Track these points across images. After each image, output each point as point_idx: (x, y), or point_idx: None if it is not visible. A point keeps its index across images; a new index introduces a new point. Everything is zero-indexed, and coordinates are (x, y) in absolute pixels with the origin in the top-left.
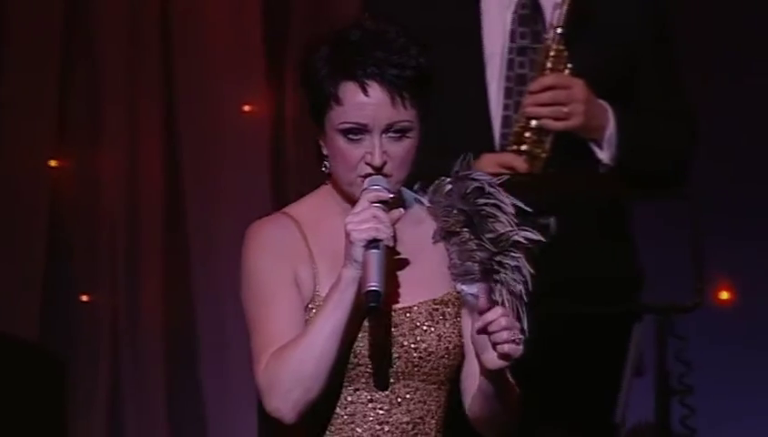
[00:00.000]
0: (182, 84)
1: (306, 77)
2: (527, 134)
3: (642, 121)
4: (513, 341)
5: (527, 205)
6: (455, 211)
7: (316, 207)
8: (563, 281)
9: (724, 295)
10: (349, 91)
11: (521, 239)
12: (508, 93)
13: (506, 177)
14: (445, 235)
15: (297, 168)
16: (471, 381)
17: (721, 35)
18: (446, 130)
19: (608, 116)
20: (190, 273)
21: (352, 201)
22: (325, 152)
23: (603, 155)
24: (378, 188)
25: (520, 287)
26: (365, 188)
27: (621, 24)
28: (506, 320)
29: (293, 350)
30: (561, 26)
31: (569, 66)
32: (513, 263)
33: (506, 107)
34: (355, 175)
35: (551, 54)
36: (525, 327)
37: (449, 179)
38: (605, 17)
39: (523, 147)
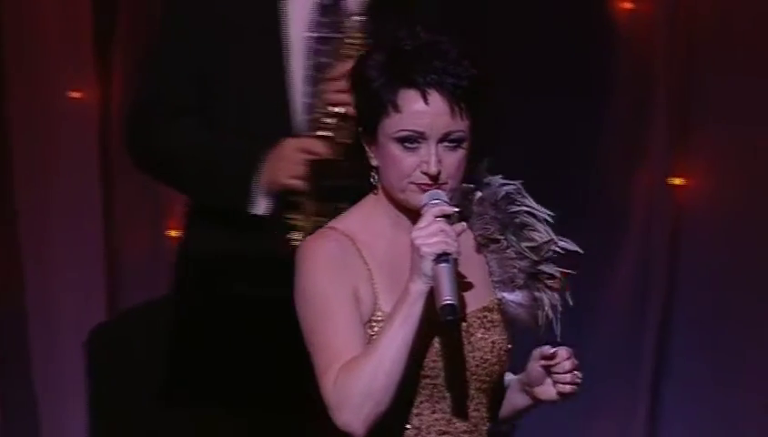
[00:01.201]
0: (12, 69)
1: (359, 85)
2: (328, 120)
3: None
4: (576, 384)
5: (327, 190)
6: (489, 218)
7: (365, 219)
8: None
9: None
10: (409, 98)
11: (560, 249)
12: (310, 81)
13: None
14: (485, 242)
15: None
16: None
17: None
18: (248, 116)
19: None
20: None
21: (404, 210)
22: (374, 163)
23: None
24: (440, 202)
25: (557, 296)
26: (427, 203)
27: (421, 11)
28: (570, 363)
29: (363, 365)
30: (362, 14)
31: None
32: (552, 273)
33: (308, 95)
34: (408, 181)
35: (352, 42)
36: (558, 334)
37: (473, 187)
38: (406, 5)
39: (325, 133)
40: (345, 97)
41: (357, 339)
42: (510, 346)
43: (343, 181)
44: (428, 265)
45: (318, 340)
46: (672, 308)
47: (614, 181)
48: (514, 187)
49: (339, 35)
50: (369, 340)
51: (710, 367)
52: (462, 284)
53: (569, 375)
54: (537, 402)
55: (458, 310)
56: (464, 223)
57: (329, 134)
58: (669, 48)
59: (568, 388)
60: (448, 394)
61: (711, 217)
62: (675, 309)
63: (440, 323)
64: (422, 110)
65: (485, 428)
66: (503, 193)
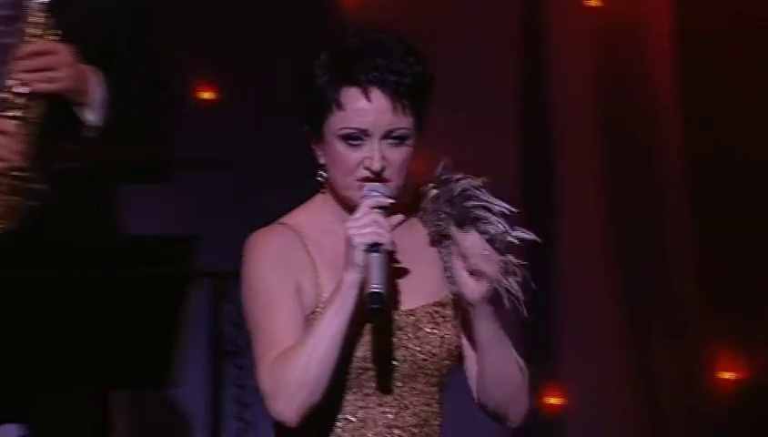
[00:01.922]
0: None
1: (304, 84)
2: (17, 100)
3: (126, 86)
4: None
5: (26, 170)
6: (443, 215)
7: (312, 215)
8: (111, 243)
9: None
10: (351, 96)
11: (514, 240)
12: None
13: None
14: (438, 239)
15: None
16: (474, 371)
17: None
18: None
19: (95, 80)
20: None
21: (350, 207)
22: (321, 161)
23: (91, 117)
24: (377, 194)
25: (515, 286)
26: (364, 195)
27: None
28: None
29: (297, 354)
30: None
31: (55, 33)
32: (506, 266)
33: None
34: (353, 178)
35: (35, 21)
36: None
37: (432, 184)
38: None
39: (14, 113)
40: (33, 76)
41: (296, 330)
42: (462, 342)
43: (43, 162)
44: (359, 255)
45: (259, 331)
46: None
47: None
48: (471, 182)
49: (20, 15)
50: None
51: None
52: (413, 279)
53: (480, 257)
54: (484, 341)
55: (384, 299)
56: (401, 215)
57: (19, 113)
58: None
59: (479, 261)
60: (395, 388)
61: None
62: None
63: (383, 316)
64: (365, 108)
65: (437, 423)
66: (459, 189)
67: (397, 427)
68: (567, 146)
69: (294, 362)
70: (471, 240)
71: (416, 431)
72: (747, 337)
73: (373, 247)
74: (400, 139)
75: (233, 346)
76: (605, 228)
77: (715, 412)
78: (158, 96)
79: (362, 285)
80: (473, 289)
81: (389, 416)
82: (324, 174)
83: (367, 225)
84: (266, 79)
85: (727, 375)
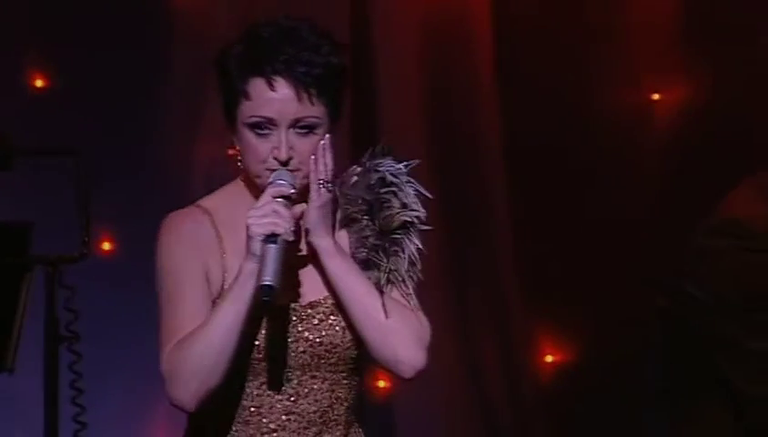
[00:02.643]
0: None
1: (219, 75)
2: None
3: None
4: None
5: None
6: (360, 201)
7: (229, 199)
8: None
9: (107, 245)
10: (257, 86)
11: (408, 218)
12: None
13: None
14: (347, 223)
15: None
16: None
17: None
18: None
19: None
20: None
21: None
22: (237, 147)
23: None
24: (281, 184)
25: (406, 266)
26: (269, 183)
27: None
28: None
29: (193, 342)
30: None
31: None
32: (395, 247)
33: None
34: (263, 167)
35: None
36: (415, 304)
37: (358, 170)
38: None
39: None
40: None
41: (200, 315)
42: None
43: None
44: (257, 245)
45: (163, 316)
46: None
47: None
48: (392, 169)
49: None
50: None
51: None
52: (319, 268)
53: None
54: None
55: (274, 292)
56: (304, 204)
57: None
58: (224, 36)
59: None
60: (294, 376)
61: None
62: None
63: (279, 305)
64: (269, 97)
65: (344, 407)
66: (377, 176)
67: (294, 413)
68: (395, 135)
69: (189, 350)
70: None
71: (315, 417)
72: (569, 321)
73: (270, 237)
74: (309, 128)
75: (67, 331)
76: (431, 216)
77: (539, 394)
78: None
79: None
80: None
81: (287, 403)
82: (240, 160)
83: (266, 214)
84: (99, 67)
85: (550, 358)
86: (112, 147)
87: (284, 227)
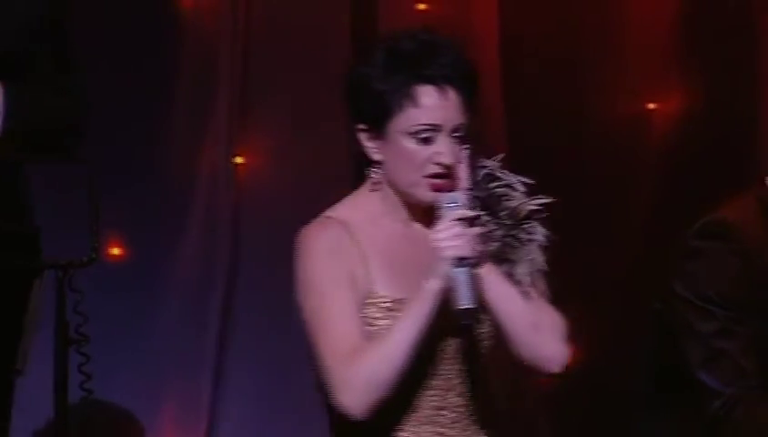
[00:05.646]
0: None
1: (361, 85)
2: None
3: (32, 92)
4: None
5: None
6: (472, 199)
7: (358, 209)
8: None
9: (116, 251)
10: (425, 93)
11: (534, 206)
12: None
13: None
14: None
15: None
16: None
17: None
18: None
19: None
20: None
21: (405, 204)
22: (377, 157)
23: None
24: (457, 205)
25: (540, 255)
26: (445, 205)
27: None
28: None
29: (372, 356)
30: None
31: None
32: (528, 236)
33: None
34: (419, 175)
35: None
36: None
37: None
38: None
39: None
40: None
41: (356, 322)
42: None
43: None
44: (446, 267)
45: (321, 325)
46: (235, 286)
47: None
48: (492, 164)
49: None
50: (366, 323)
51: (273, 345)
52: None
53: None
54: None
55: (475, 314)
56: (482, 226)
57: None
58: (232, 41)
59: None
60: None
61: (269, 194)
62: (239, 288)
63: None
64: (438, 104)
65: (497, 405)
66: (483, 173)
67: (445, 407)
68: None
69: (368, 364)
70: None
71: (462, 409)
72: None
73: (461, 260)
74: (462, 138)
75: (77, 334)
76: None
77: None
78: (67, 101)
79: (443, 295)
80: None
81: (436, 399)
82: (379, 170)
83: (454, 237)
84: (108, 70)
85: None
86: (120, 152)
87: (472, 250)
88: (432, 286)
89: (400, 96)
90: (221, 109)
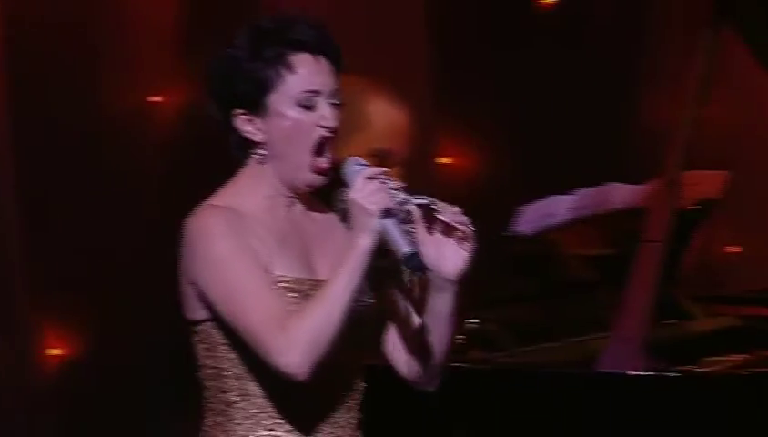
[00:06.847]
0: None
1: (231, 69)
2: None
3: None
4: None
5: None
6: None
7: (242, 194)
8: None
9: None
10: (301, 60)
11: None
12: None
13: None
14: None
15: None
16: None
17: None
18: None
19: None
20: None
21: (291, 187)
22: (259, 138)
23: None
24: (365, 164)
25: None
26: (350, 170)
27: None
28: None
29: (313, 316)
30: None
31: None
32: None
33: None
34: (307, 153)
35: None
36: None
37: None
38: None
39: None
40: None
41: (276, 290)
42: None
43: None
44: (371, 221)
45: (245, 299)
46: None
47: None
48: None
49: None
50: None
51: None
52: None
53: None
54: (447, 283)
55: (421, 255)
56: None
57: None
58: None
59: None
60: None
61: None
62: None
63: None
64: (316, 69)
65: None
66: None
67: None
68: None
69: (309, 323)
70: (454, 210)
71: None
72: (76, 315)
73: (387, 212)
74: (338, 104)
75: None
76: None
77: (44, 388)
78: None
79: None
80: (454, 262)
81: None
82: (260, 151)
83: (375, 192)
84: None
85: (55, 351)
86: None
87: (394, 202)
88: (365, 242)
89: (278, 67)
90: None
